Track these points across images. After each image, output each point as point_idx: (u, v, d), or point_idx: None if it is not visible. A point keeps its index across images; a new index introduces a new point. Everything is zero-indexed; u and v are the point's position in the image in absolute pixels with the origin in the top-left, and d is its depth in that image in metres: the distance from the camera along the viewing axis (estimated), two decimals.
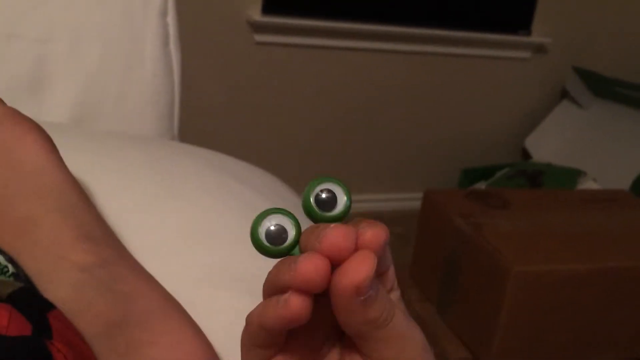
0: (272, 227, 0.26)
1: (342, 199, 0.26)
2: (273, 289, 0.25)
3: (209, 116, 2.03)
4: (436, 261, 1.35)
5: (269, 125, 2.12)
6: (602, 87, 2.26)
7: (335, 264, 0.23)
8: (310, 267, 0.22)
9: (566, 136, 2.31)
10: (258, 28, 1.97)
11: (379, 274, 0.26)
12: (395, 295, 0.27)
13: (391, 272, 0.27)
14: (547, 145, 2.34)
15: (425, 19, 2.15)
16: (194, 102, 1.98)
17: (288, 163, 2.14)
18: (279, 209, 0.26)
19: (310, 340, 0.27)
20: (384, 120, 2.26)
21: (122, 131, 0.71)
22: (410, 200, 2.31)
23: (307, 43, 2.04)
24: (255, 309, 0.26)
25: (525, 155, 2.44)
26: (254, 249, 0.26)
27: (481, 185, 2.18)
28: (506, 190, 1.49)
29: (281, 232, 0.26)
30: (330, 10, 2.03)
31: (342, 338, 0.27)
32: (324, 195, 0.26)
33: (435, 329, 1.29)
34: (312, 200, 0.26)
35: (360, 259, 0.23)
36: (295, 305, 0.23)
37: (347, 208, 0.26)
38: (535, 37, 2.31)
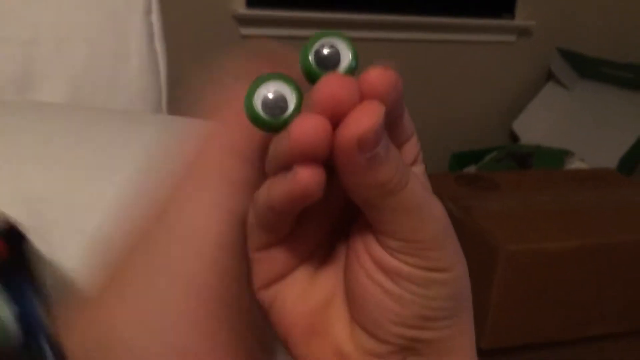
0: (270, 96, 0.22)
1: (346, 55, 0.22)
2: (276, 165, 0.22)
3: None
4: None
5: None
6: (587, 67, 2.28)
7: (336, 120, 0.20)
8: (304, 127, 0.19)
9: (553, 117, 2.34)
10: (243, 21, 1.97)
11: (398, 142, 0.23)
12: (418, 168, 0.24)
13: (413, 142, 0.24)
14: (534, 127, 2.36)
15: (409, 6, 2.16)
16: (180, 96, 1.98)
17: None
18: (276, 74, 0.22)
19: (317, 228, 0.25)
20: None
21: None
22: None
23: (292, 34, 2.05)
24: (262, 188, 0.23)
25: (514, 137, 2.46)
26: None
27: (471, 169, 2.20)
28: (495, 172, 1.51)
29: (280, 100, 0.22)
30: (314, 1, 2.04)
31: (352, 228, 0.24)
32: (325, 52, 0.22)
33: None
34: (310, 57, 0.22)
35: (363, 108, 0.20)
36: (303, 176, 0.20)
37: (353, 65, 0.22)
38: (519, 21, 2.32)
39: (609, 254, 1.20)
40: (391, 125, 0.22)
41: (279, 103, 0.22)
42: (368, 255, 0.23)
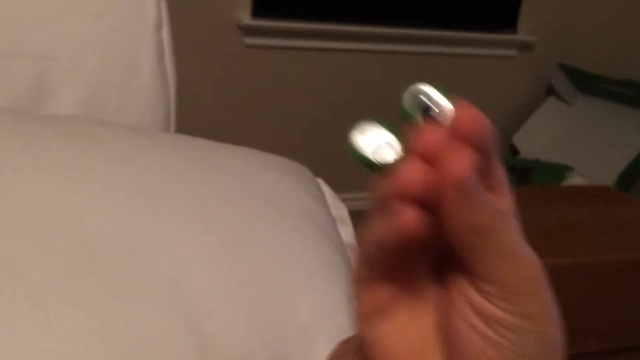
0: (377, 142, 0.24)
1: (443, 102, 0.24)
2: (382, 206, 0.23)
3: (200, 120, 2.05)
4: None
5: (260, 127, 2.15)
6: (587, 83, 2.31)
7: (434, 162, 0.22)
8: (409, 174, 0.22)
9: (553, 132, 2.36)
10: (248, 31, 1.99)
11: (490, 186, 0.24)
12: (506, 199, 0.25)
13: (506, 191, 0.25)
14: (534, 141, 2.38)
15: (412, 19, 2.18)
16: (185, 106, 2.00)
17: None
18: (381, 120, 0.24)
19: (416, 266, 0.26)
20: None
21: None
22: None
23: (296, 45, 2.07)
24: (367, 227, 0.25)
25: (514, 151, 2.48)
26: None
27: None
28: None
29: (386, 146, 0.24)
30: (318, 12, 2.06)
31: (447, 267, 0.25)
32: (424, 100, 0.24)
33: None
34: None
35: (459, 154, 0.21)
36: (407, 216, 0.22)
37: (450, 111, 0.24)
38: (521, 35, 2.35)
39: (603, 272, 1.21)
40: (484, 169, 0.24)
41: (385, 148, 0.24)
42: (463, 300, 0.24)
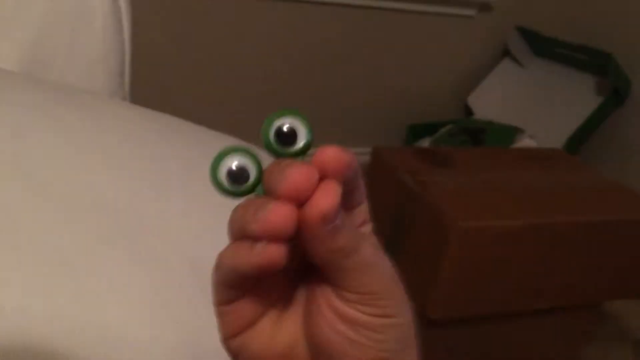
0: (234, 167, 0.25)
1: (303, 133, 0.25)
2: (240, 232, 0.24)
3: (160, 69, 1.97)
4: (383, 216, 1.39)
5: (218, 79, 2.08)
6: (543, 46, 2.33)
7: (299, 203, 0.23)
8: (279, 218, 0.22)
9: (507, 94, 2.38)
10: None
11: (351, 207, 0.27)
12: (367, 228, 0.28)
13: (364, 207, 0.28)
14: (488, 102, 2.40)
15: None
16: (145, 55, 1.91)
17: (235, 118, 2.12)
18: (237, 147, 0.25)
19: (278, 280, 0.28)
20: (329, 77, 2.25)
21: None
22: (359, 155, 2.34)
23: None
24: (226, 250, 0.25)
25: (468, 112, 2.50)
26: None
27: (425, 142, 2.23)
28: (451, 148, 1.53)
29: (243, 171, 0.25)
30: None
31: (309, 277, 0.27)
32: (284, 129, 0.25)
33: None
34: (271, 135, 0.25)
35: (324, 189, 0.23)
36: (272, 254, 0.23)
37: (309, 142, 0.25)
38: None
39: (553, 233, 1.24)
40: (347, 194, 0.26)
41: (242, 173, 0.25)
42: (328, 307, 0.26)
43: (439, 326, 1.27)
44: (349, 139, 2.39)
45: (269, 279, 0.27)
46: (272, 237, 0.23)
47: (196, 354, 0.40)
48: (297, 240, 0.24)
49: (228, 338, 0.28)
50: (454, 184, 1.29)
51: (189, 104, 2.07)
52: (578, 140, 2.16)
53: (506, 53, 2.45)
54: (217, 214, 0.47)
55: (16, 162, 0.43)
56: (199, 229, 0.48)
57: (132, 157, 0.51)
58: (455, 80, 2.49)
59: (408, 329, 0.27)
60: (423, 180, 1.28)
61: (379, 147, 1.44)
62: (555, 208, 1.27)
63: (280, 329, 0.28)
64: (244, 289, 0.27)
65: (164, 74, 2.00)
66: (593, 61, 2.16)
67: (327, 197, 0.23)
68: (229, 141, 0.61)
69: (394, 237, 1.33)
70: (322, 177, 0.23)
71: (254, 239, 0.24)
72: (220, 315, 0.28)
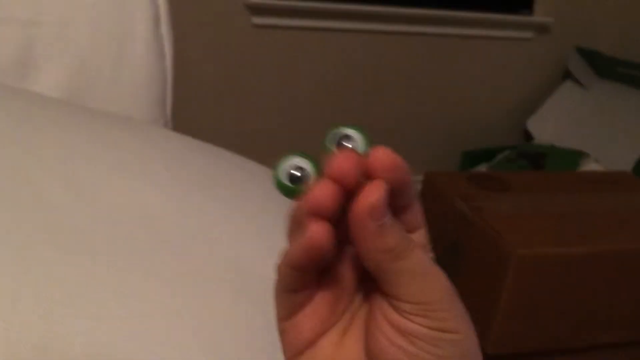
0: (294, 168, 0.26)
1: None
2: (295, 228, 0.26)
3: (206, 101, 2.01)
4: (437, 244, 1.34)
5: (267, 110, 2.10)
6: (604, 67, 2.24)
7: (349, 189, 0.24)
8: (318, 190, 0.24)
9: (569, 117, 2.29)
10: (255, 10, 1.94)
11: (400, 206, 0.27)
12: (420, 234, 0.28)
13: (416, 211, 0.28)
14: (549, 126, 2.32)
15: None
16: (191, 87, 1.96)
17: (286, 148, 2.12)
18: (299, 151, 0.27)
19: (337, 290, 0.28)
20: (384, 103, 2.23)
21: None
22: (413, 183, 2.30)
23: (305, 25, 2.01)
24: (283, 254, 0.27)
25: (528, 136, 2.42)
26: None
27: (482, 168, 2.17)
28: (507, 172, 1.48)
29: (302, 172, 0.26)
30: None
31: (369, 295, 0.27)
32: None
33: None
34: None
35: (372, 185, 0.24)
36: (313, 230, 0.24)
37: (366, 148, 0.27)
38: (537, 17, 2.27)
39: (620, 261, 1.16)
40: (401, 210, 0.26)
41: (302, 174, 0.26)
42: (384, 319, 0.26)
43: None
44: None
45: (328, 294, 0.27)
46: (313, 210, 0.24)
47: None
48: (350, 243, 0.25)
49: (291, 357, 0.28)
50: (512, 209, 1.23)
51: (234, 135, 2.10)
52: None
53: (567, 75, 2.37)
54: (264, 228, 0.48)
55: (67, 180, 0.44)
56: (242, 240, 0.47)
57: (177, 174, 0.51)
58: (514, 105, 2.42)
59: (472, 347, 0.26)
60: (478, 205, 1.23)
61: (431, 173, 1.40)
62: (622, 233, 1.19)
63: (342, 348, 0.28)
64: (303, 294, 0.27)
65: (210, 105, 2.03)
66: None
67: (374, 192, 0.24)
68: (262, 169, 0.60)
69: (449, 267, 1.28)
70: (372, 177, 0.24)
71: (304, 226, 0.24)
72: (282, 333, 0.28)
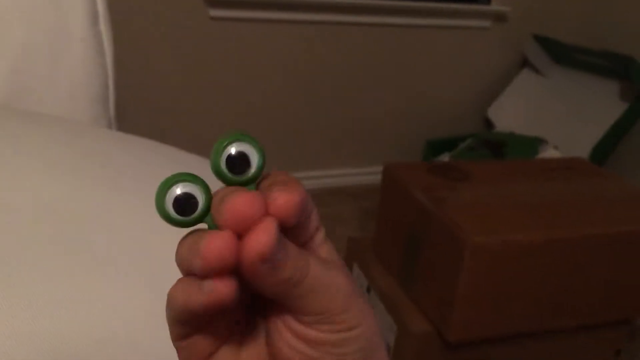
0: (180, 196, 0.23)
1: (255, 159, 0.24)
2: (187, 268, 0.24)
3: (163, 93, 1.97)
4: (398, 236, 1.34)
5: (226, 102, 2.08)
6: (561, 54, 2.27)
7: (243, 233, 0.22)
8: (215, 249, 0.21)
9: (528, 104, 2.32)
10: (212, 3, 1.91)
11: (300, 222, 0.25)
12: (320, 235, 0.26)
13: (314, 216, 0.26)
14: (509, 114, 2.35)
15: None
16: (149, 81, 1.92)
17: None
18: (184, 174, 0.24)
19: (234, 311, 0.27)
20: (345, 94, 2.23)
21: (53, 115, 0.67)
22: (376, 174, 2.30)
23: (263, 17, 1.99)
24: (176, 287, 0.25)
25: (488, 124, 2.44)
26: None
27: (445, 157, 2.18)
28: (468, 162, 1.49)
29: (190, 199, 0.23)
30: None
31: (266, 301, 0.26)
32: (234, 156, 0.23)
33: (398, 303, 1.28)
34: (222, 162, 0.23)
35: (260, 229, 0.22)
36: (221, 292, 0.22)
37: (260, 169, 0.24)
38: (495, 6, 2.29)
39: (577, 247, 1.18)
40: (299, 223, 0.25)
41: (189, 202, 0.23)
42: (287, 329, 0.25)
43: (458, 348, 1.21)
44: (364, 158, 2.36)
45: (221, 317, 0.26)
46: (215, 271, 0.22)
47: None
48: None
49: None
50: (471, 198, 1.24)
51: (194, 128, 2.07)
52: (604, 149, 2.09)
53: (525, 63, 2.40)
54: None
55: None
56: (147, 226, 0.46)
57: (78, 164, 0.49)
58: (474, 94, 2.44)
59: (371, 335, 0.26)
60: (438, 196, 1.23)
61: (391, 164, 1.39)
62: (578, 220, 1.21)
63: (241, 356, 0.27)
64: (198, 324, 0.26)
65: (168, 97, 2.00)
66: (615, 66, 2.09)
67: (263, 237, 0.22)
68: (204, 163, 0.58)
69: (410, 258, 1.29)
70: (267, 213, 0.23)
71: (199, 275, 0.23)
72: (178, 350, 0.27)
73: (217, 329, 0.26)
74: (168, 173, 0.53)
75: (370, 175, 2.34)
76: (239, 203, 0.22)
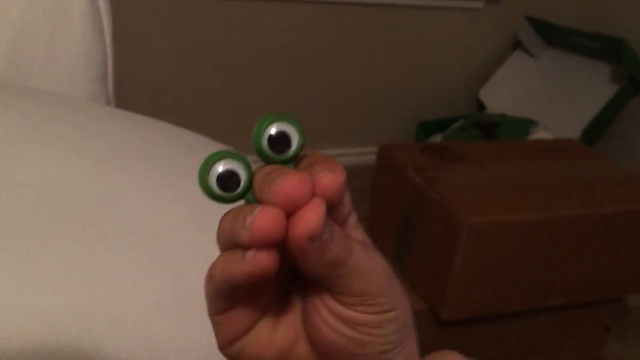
0: (223, 173, 0.24)
1: (295, 138, 0.24)
2: (230, 242, 0.24)
3: (159, 73, 1.96)
4: (392, 216, 1.35)
5: (220, 81, 2.07)
6: (554, 36, 2.27)
7: (291, 212, 0.23)
8: (266, 223, 0.22)
9: (519, 86, 2.33)
10: None
11: (335, 204, 0.26)
12: (352, 219, 0.28)
13: (347, 199, 0.27)
14: (501, 95, 2.35)
15: None
16: (144, 58, 1.91)
17: (239, 121, 2.10)
18: (227, 151, 0.24)
19: (273, 284, 0.28)
20: (338, 75, 2.22)
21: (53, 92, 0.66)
22: (368, 155, 2.31)
23: None
24: (217, 261, 0.25)
25: (480, 106, 2.45)
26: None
27: (437, 138, 2.19)
28: (461, 143, 1.49)
29: (232, 176, 0.24)
30: None
31: (306, 283, 0.27)
32: (275, 135, 0.24)
33: None
34: (263, 141, 0.24)
35: (310, 208, 0.23)
36: (263, 261, 0.23)
37: (301, 147, 0.25)
38: None
39: (569, 227, 1.19)
40: (334, 206, 0.26)
41: (232, 178, 0.24)
42: (327, 310, 0.26)
43: (452, 326, 1.23)
44: (358, 138, 2.36)
45: (261, 290, 0.27)
46: (261, 243, 0.23)
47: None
48: (287, 254, 0.24)
49: (225, 346, 0.28)
50: (465, 179, 1.25)
51: (187, 106, 2.06)
52: (594, 131, 2.11)
53: (517, 45, 2.40)
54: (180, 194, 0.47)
55: None
56: (156, 203, 0.46)
57: (83, 142, 0.49)
58: (466, 75, 2.45)
59: (407, 318, 0.27)
60: (432, 176, 1.24)
61: (385, 145, 1.40)
62: (570, 200, 1.22)
63: (278, 330, 0.28)
64: (238, 298, 0.27)
65: (160, 76, 1.99)
66: (607, 49, 2.10)
67: (313, 216, 0.23)
68: (210, 144, 0.59)
69: (404, 238, 1.30)
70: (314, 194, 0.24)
71: (244, 247, 0.23)
72: (216, 324, 0.28)
73: (255, 304, 0.27)
74: (173, 151, 0.53)
75: (362, 155, 2.35)
76: (290, 184, 0.22)
